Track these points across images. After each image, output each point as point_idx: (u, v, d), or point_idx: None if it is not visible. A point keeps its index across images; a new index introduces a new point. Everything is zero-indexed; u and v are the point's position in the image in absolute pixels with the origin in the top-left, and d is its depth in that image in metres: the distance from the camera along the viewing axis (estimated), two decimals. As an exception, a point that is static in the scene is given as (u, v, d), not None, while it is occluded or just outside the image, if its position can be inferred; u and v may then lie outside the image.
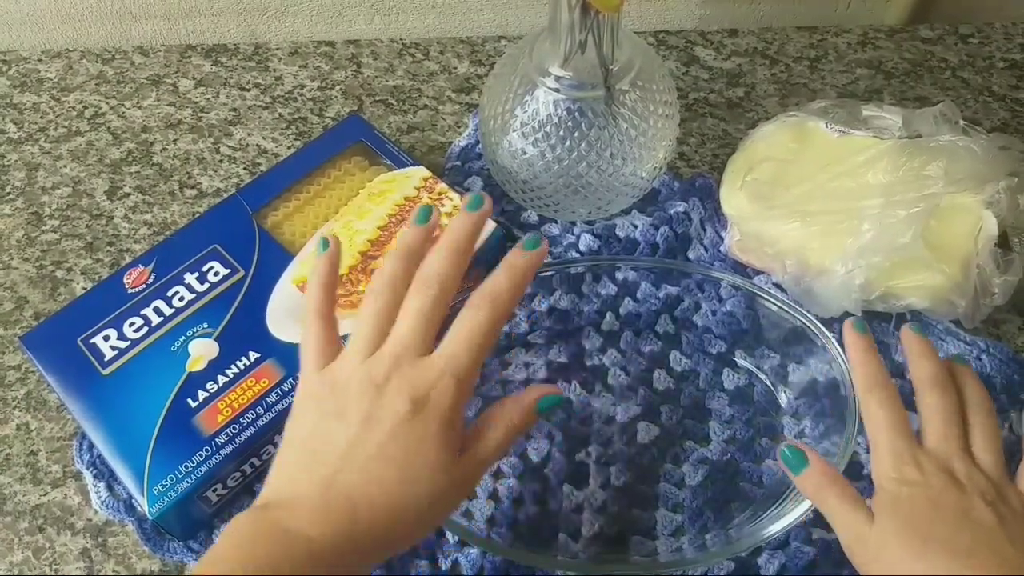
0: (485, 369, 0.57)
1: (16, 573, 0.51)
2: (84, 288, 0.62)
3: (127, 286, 0.56)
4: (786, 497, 0.50)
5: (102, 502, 0.52)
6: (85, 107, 0.74)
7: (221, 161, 0.70)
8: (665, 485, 0.53)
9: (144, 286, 0.56)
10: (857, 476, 0.53)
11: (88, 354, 0.53)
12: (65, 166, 0.70)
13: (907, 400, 0.55)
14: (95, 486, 0.52)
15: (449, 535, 0.51)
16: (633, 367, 0.57)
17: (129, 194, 0.68)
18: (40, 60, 0.77)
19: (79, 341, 0.54)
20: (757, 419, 0.55)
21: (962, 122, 0.58)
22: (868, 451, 0.53)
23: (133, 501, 0.52)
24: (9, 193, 0.68)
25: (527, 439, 0.55)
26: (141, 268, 0.57)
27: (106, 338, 0.54)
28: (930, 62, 0.76)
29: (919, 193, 0.54)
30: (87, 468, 0.53)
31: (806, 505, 0.47)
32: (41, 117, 0.73)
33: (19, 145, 0.71)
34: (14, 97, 0.74)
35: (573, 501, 0.52)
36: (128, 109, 0.74)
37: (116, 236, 0.65)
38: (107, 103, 0.74)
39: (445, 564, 0.50)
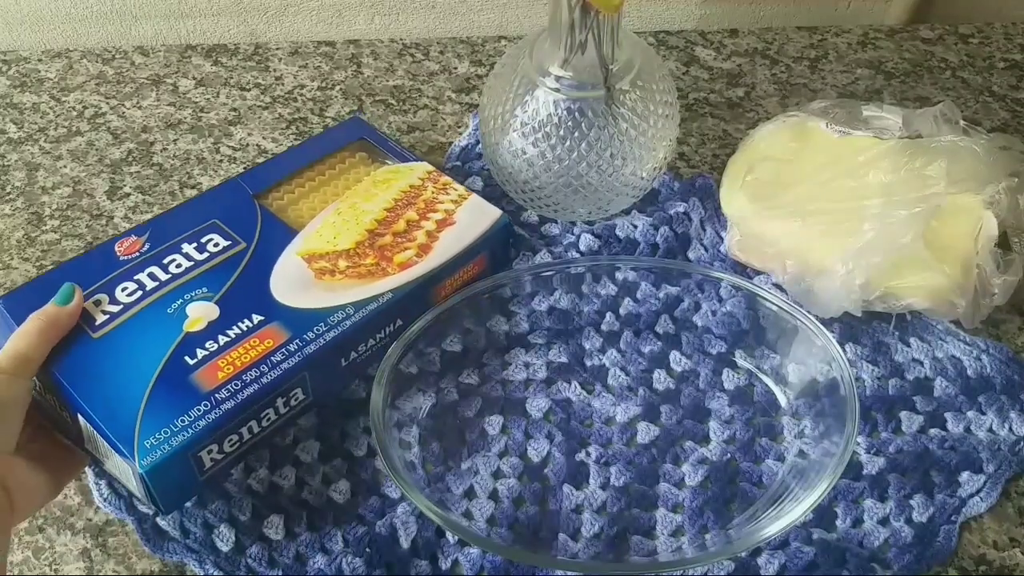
0: (486, 369, 0.57)
1: (16, 573, 0.51)
2: (84, 288, 0.62)
3: (119, 254, 0.54)
4: (786, 497, 0.50)
5: (104, 499, 0.52)
6: (85, 107, 0.74)
7: (221, 161, 0.70)
8: (665, 485, 0.53)
9: (137, 254, 0.54)
10: (857, 476, 0.53)
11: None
12: (65, 166, 0.70)
13: (903, 401, 0.56)
14: (96, 483, 0.52)
15: (449, 535, 0.51)
16: (633, 367, 0.57)
17: (129, 194, 0.68)
18: (40, 60, 0.77)
19: None
20: (757, 419, 0.55)
21: (962, 122, 0.58)
22: (868, 451, 0.54)
23: (134, 499, 0.52)
24: (9, 193, 0.68)
25: (527, 439, 0.55)
26: (134, 238, 0.55)
27: (97, 303, 0.51)
28: (930, 62, 0.76)
29: (920, 193, 0.54)
30: (89, 466, 0.53)
31: (806, 505, 0.47)
32: (41, 117, 0.73)
33: (19, 145, 0.71)
34: (14, 97, 0.74)
35: (573, 501, 0.52)
36: (128, 109, 0.74)
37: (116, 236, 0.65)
38: (107, 103, 0.74)
39: (445, 564, 0.50)
